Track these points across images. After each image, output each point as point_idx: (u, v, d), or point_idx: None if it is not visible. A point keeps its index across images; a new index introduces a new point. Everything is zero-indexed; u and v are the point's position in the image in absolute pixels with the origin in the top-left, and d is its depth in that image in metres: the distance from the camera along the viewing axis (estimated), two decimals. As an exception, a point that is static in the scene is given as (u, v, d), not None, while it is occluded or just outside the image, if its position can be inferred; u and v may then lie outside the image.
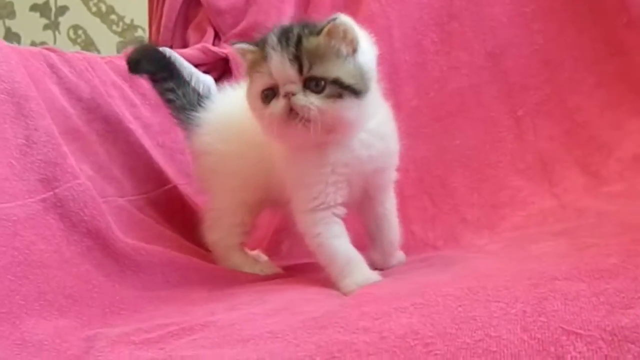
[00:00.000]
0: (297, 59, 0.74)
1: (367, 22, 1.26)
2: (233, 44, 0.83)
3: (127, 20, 2.92)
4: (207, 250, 1.04)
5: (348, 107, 0.76)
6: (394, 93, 1.22)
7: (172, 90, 1.04)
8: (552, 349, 0.45)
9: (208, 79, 1.35)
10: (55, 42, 2.93)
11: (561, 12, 1.17)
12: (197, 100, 1.05)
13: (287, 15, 1.37)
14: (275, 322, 0.68)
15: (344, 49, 0.76)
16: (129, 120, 1.10)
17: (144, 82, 1.20)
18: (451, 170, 1.15)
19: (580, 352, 0.43)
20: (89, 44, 2.93)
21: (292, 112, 0.75)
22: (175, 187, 1.12)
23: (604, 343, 0.44)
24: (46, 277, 0.78)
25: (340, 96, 0.75)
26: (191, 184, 1.17)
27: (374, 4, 1.27)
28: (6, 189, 0.79)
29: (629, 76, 1.07)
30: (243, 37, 1.39)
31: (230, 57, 1.38)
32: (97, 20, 2.94)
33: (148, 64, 1.05)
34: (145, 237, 0.94)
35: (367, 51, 0.79)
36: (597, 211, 0.88)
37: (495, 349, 0.47)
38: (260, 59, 0.78)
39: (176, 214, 1.10)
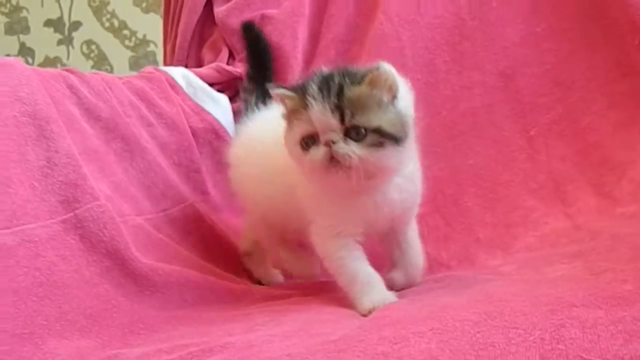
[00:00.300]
0: (339, 109, 0.75)
1: (379, 41, 1.29)
2: (272, 88, 0.83)
3: (140, 36, 2.96)
4: (222, 269, 1.05)
5: (389, 154, 0.77)
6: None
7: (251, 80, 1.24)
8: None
9: (223, 99, 1.37)
10: (68, 57, 2.98)
11: (573, 32, 1.18)
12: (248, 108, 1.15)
13: (301, 36, 1.39)
14: (293, 345, 0.68)
15: (385, 97, 0.77)
16: (145, 140, 1.11)
17: (160, 102, 1.22)
18: (464, 189, 1.16)
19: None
20: (102, 59, 2.97)
21: (333, 159, 0.75)
22: (192, 205, 1.13)
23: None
24: (67, 297, 0.80)
25: (381, 145, 0.76)
26: (208, 201, 1.19)
27: (386, 23, 1.29)
28: (28, 210, 0.81)
29: (641, 95, 1.07)
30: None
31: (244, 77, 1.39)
32: (110, 35, 2.98)
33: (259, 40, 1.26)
34: (161, 257, 0.95)
35: (406, 97, 0.81)
36: (611, 233, 0.89)
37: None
38: (299, 107, 0.78)
39: (193, 232, 1.11)
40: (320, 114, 0.75)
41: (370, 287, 0.83)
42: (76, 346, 0.75)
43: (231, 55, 1.46)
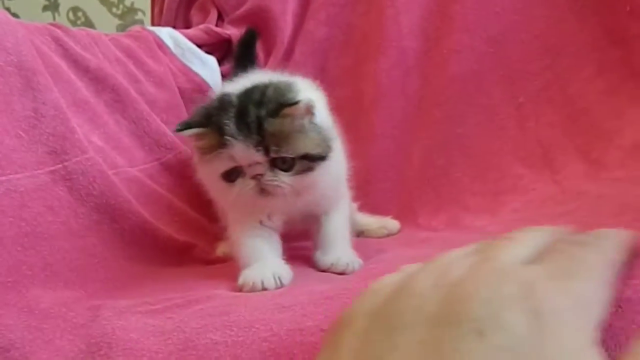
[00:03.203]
0: (262, 144, 0.71)
1: (375, 11, 1.27)
2: (179, 130, 0.75)
3: (127, 3, 2.91)
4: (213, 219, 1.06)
5: (319, 173, 0.75)
6: (402, 82, 1.23)
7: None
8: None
9: (211, 60, 1.36)
10: (54, 23, 2.92)
11: (563, -1, 1.17)
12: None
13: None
14: (280, 295, 0.69)
15: (306, 122, 0.74)
16: (134, 95, 1.10)
17: (147, 60, 1.20)
18: (454, 159, 1.15)
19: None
20: (88, 26, 2.91)
21: (262, 190, 0.74)
22: (186, 151, 1.11)
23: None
24: (52, 248, 0.79)
25: (310, 168, 0.74)
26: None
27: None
28: (14, 159, 0.80)
29: (630, 64, 1.07)
30: (247, 19, 1.39)
31: (234, 39, 1.38)
32: (97, 2, 2.94)
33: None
34: (154, 210, 0.95)
35: (320, 106, 0.78)
36: (596, 194, 0.89)
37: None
38: (217, 144, 0.73)
39: (187, 179, 1.08)
40: (243, 151, 0.71)
41: (251, 262, 0.78)
42: (59, 296, 0.75)
43: (220, 17, 1.44)
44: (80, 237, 0.83)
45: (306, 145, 0.73)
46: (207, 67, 1.32)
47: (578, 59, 1.12)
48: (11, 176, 0.78)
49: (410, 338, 0.30)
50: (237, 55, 1.24)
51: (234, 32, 1.37)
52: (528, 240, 0.38)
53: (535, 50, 1.16)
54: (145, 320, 0.64)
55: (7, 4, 2.98)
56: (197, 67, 1.30)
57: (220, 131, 0.72)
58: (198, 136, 0.76)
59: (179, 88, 1.23)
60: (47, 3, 2.98)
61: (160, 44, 1.27)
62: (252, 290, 0.73)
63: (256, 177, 0.73)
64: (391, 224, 1.05)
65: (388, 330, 0.32)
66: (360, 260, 0.82)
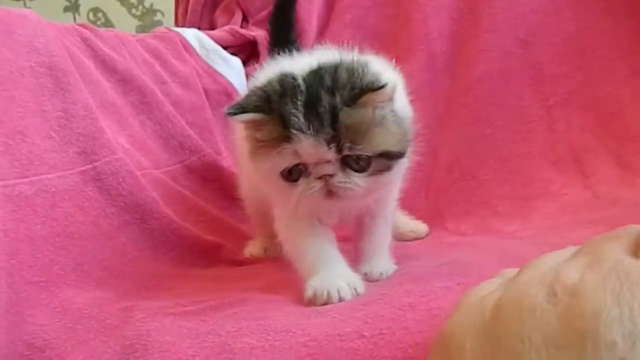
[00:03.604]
0: (335, 139, 0.60)
1: (403, 14, 1.27)
2: (231, 113, 0.64)
3: (147, 4, 2.93)
4: (237, 219, 1.05)
5: (395, 172, 0.66)
6: (431, 85, 1.22)
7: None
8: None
9: (236, 62, 1.36)
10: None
11: (596, 2, 1.15)
12: None
13: (315, 1, 1.36)
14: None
15: (387, 112, 0.63)
16: (160, 96, 1.10)
17: (173, 61, 1.21)
18: (481, 161, 1.13)
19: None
20: (108, 27, 2.94)
21: (330, 193, 0.63)
22: (210, 154, 1.12)
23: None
24: (83, 249, 0.79)
25: (388, 168, 0.64)
26: (223, 160, 1.18)
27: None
28: (46, 160, 0.80)
29: (664, 67, 1.06)
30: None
31: (259, 40, 1.37)
32: (117, 3, 2.95)
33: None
34: (179, 210, 0.95)
35: (400, 90, 0.68)
36: (632, 202, 0.88)
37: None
38: (278, 138, 0.62)
39: (211, 180, 1.10)
40: (312, 148, 0.61)
41: (318, 270, 0.68)
42: (92, 296, 0.75)
43: (244, 19, 1.44)
44: (110, 238, 0.83)
45: (386, 140, 0.63)
46: (232, 69, 1.32)
47: (610, 61, 1.11)
48: (43, 176, 0.79)
49: None
50: (272, 22, 1.04)
51: (258, 34, 1.37)
52: (633, 231, 0.33)
53: (566, 52, 1.15)
54: (179, 322, 0.64)
55: (28, 4, 3.01)
56: (222, 69, 1.30)
57: (283, 121, 0.61)
58: (254, 124, 0.65)
59: (204, 89, 1.24)
60: (68, 4, 3.00)
61: (186, 45, 1.27)
62: (327, 302, 0.65)
63: (324, 177, 0.62)
64: (421, 228, 1.03)
65: (507, 355, 0.28)
66: (395, 266, 0.77)
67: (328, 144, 0.60)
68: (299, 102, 0.61)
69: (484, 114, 1.17)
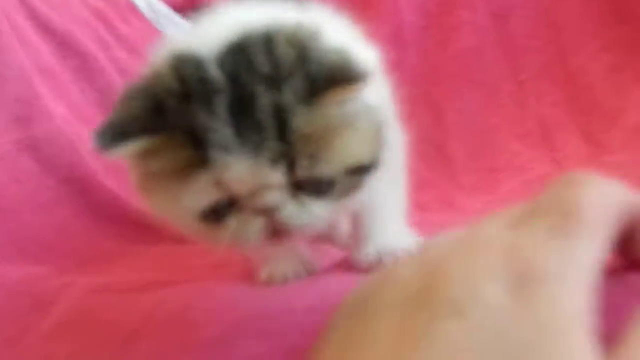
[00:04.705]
0: (285, 156, 0.43)
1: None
2: (107, 147, 0.44)
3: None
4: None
5: (365, 187, 0.50)
6: (399, 58, 1.26)
7: None
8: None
9: (186, 26, 1.36)
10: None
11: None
12: None
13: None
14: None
15: (359, 105, 0.46)
16: (103, 61, 1.10)
17: (119, 24, 1.21)
18: (449, 134, 1.20)
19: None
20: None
21: (276, 232, 0.47)
22: None
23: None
24: (19, 223, 0.81)
25: (358, 186, 0.49)
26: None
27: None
28: (-24, 126, 0.81)
29: (635, 42, 1.11)
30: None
31: (213, 3, 1.38)
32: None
33: None
34: (123, 185, 0.96)
35: (376, 75, 0.49)
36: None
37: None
38: (188, 162, 0.43)
39: None
40: (247, 173, 0.43)
41: (273, 253, 0.63)
42: (27, 272, 0.76)
43: (200, -20, 1.44)
44: (48, 211, 0.84)
45: (357, 149, 0.46)
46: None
47: (582, 35, 1.17)
48: (-27, 144, 0.80)
49: (387, 325, 0.29)
50: None
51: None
52: (522, 206, 0.35)
53: (539, 26, 1.21)
54: (123, 296, 0.66)
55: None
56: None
57: (193, 140, 0.43)
58: (145, 154, 0.45)
59: (152, 55, 1.24)
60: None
61: (132, 8, 1.27)
62: (283, 282, 0.61)
63: (266, 212, 0.46)
64: None
65: (367, 319, 0.31)
66: (416, 236, 0.63)
67: (274, 164, 0.43)
68: (219, 107, 0.42)
69: (455, 90, 1.23)
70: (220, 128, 0.42)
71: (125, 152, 0.44)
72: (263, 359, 0.50)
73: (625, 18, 1.16)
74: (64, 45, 1.03)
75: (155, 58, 0.48)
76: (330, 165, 0.45)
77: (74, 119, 0.96)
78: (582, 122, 1.10)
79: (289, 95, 0.43)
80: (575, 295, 0.27)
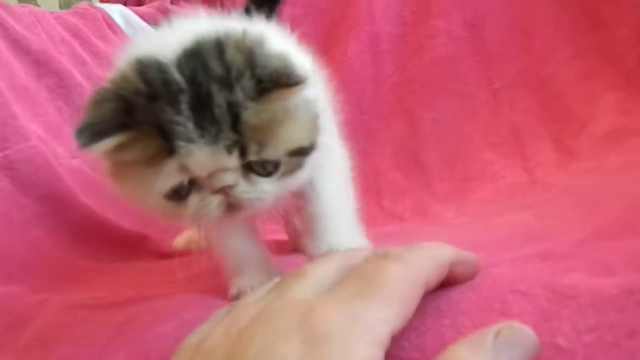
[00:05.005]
0: (238, 144, 0.53)
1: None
2: (87, 144, 0.51)
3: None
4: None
5: (306, 168, 0.60)
6: (374, 67, 1.31)
7: None
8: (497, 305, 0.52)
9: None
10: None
11: (541, -17, 1.26)
12: None
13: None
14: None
15: (299, 100, 0.56)
16: (79, 79, 1.14)
17: (95, 41, 1.25)
18: (424, 143, 1.25)
19: (522, 307, 0.51)
20: (30, 2, 2.91)
21: (231, 206, 0.57)
22: None
23: (544, 300, 0.52)
24: (-7, 241, 0.84)
25: (299, 165, 0.58)
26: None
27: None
28: (-49, 148, 0.84)
29: (606, 49, 1.16)
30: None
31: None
32: (39, -32, 2.93)
33: None
34: (99, 202, 0.99)
35: (311, 72, 0.57)
36: (565, 185, 0.97)
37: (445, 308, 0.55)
38: (157, 151, 0.52)
39: None
40: (207, 159, 0.52)
41: (241, 268, 0.70)
42: (3, 291, 0.79)
43: (176, -6, 1.49)
44: (22, 230, 0.87)
45: (298, 135, 0.57)
46: (161, 48, 1.36)
47: (554, 41, 1.22)
48: (-52, 164, 0.83)
49: None
50: None
51: (190, 11, 1.41)
52: (326, 270, 0.42)
53: (513, 34, 1.26)
54: (94, 313, 0.70)
55: None
56: (150, 48, 1.35)
57: (161, 132, 0.51)
58: (119, 147, 0.53)
59: (130, 70, 1.27)
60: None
61: (110, 23, 1.31)
62: None
63: (222, 190, 0.56)
64: None
65: None
66: (367, 240, 0.69)
67: (229, 150, 0.52)
68: (182, 105, 0.51)
69: (430, 99, 1.29)
70: (183, 122, 0.51)
71: (103, 148, 0.52)
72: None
73: (596, 25, 1.21)
74: (39, 63, 1.06)
75: (120, 63, 0.57)
76: (276, 149, 0.55)
77: (50, 137, 1.00)
78: (553, 129, 1.15)
79: (240, 93, 0.52)
80: (359, 348, 0.33)
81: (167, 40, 0.56)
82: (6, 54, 1.01)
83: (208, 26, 0.58)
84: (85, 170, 1.03)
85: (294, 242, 0.94)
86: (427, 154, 1.24)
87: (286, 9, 1.39)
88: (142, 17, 1.38)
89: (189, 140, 0.51)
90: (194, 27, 0.58)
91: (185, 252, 1.02)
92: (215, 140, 0.52)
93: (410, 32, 1.34)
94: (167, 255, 1.02)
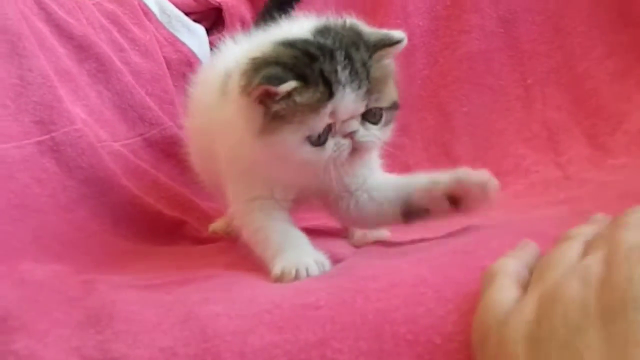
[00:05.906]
0: (368, 92, 0.69)
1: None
2: (261, 83, 0.67)
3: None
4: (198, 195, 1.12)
5: (392, 126, 0.75)
6: (407, 62, 1.32)
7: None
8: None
9: (199, 29, 1.42)
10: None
11: (576, -20, 1.26)
12: None
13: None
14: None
15: (392, 63, 0.75)
16: (118, 65, 1.16)
17: (132, 28, 1.26)
18: (457, 137, 1.26)
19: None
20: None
21: (353, 150, 0.71)
22: (171, 127, 1.18)
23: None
24: (41, 221, 0.86)
25: (393, 119, 0.74)
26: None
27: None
28: (1, 129, 0.86)
29: (640, 47, 1.17)
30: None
31: (224, 7, 1.44)
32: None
33: None
34: (140, 186, 1.01)
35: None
36: (601, 181, 0.98)
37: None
38: (320, 97, 0.67)
39: (172, 155, 1.16)
40: (353, 103, 0.68)
41: (284, 249, 0.74)
42: (52, 269, 0.81)
43: (210, -17, 1.50)
44: (68, 211, 0.89)
45: (394, 91, 0.74)
46: (195, 37, 1.39)
47: (589, 39, 1.22)
48: (-1, 146, 0.85)
49: (590, 342, 0.33)
50: None
51: (224, 0, 1.43)
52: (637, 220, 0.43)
53: (546, 31, 1.27)
54: (143, 293, 0.71)
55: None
56: (184, 37, 1.37)
57: (325, 81, 0.67)
58: (293, 92, 0.67)
59: (165, 58, 1.30)
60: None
61: (146, 11, 1.33)
62: (296, 279, 0.70)
63: (349, 135, 0.70)
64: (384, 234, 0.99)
65: (564, 346, 0.34)
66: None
67: (365, 96, 0.68)
68: (338, 59, 0.67)
69: (462, 93, 1.30)
70: (340, 70, 0.67)
71: (288, 88, 0.66)
72: (276, 349, 0.55)
73: (632, 22, 1.21)
74: (81, 48, 1.08)
75: (259, 47, 0.72)
76: (386, 99, 0.71)
77: (92, 121, 1.02)
78: (586, 125, 1.16)
79: (365, 54, 0.69)
80: None
81: (293, 29, 0.75)
82: (50, 39, 1.03)
83: (316, 21, 0.75)
84: (126, 153, 1.05)
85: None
86: (459, 147, 1.25)
87: (317, 4, 1.41)
88: (177, 5, 1.40)
89: (345, 83, 0.67)
90: (307, 22, 0.76)
91: (220, 238, 1.04)
92: (359, 86, 0.67)
93: (443, 27, 1.35)
94: (203, 240, 1.04)
